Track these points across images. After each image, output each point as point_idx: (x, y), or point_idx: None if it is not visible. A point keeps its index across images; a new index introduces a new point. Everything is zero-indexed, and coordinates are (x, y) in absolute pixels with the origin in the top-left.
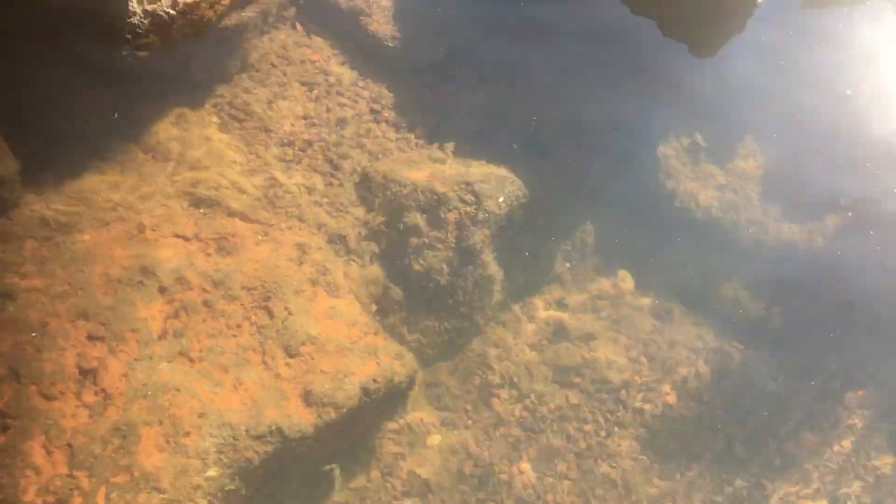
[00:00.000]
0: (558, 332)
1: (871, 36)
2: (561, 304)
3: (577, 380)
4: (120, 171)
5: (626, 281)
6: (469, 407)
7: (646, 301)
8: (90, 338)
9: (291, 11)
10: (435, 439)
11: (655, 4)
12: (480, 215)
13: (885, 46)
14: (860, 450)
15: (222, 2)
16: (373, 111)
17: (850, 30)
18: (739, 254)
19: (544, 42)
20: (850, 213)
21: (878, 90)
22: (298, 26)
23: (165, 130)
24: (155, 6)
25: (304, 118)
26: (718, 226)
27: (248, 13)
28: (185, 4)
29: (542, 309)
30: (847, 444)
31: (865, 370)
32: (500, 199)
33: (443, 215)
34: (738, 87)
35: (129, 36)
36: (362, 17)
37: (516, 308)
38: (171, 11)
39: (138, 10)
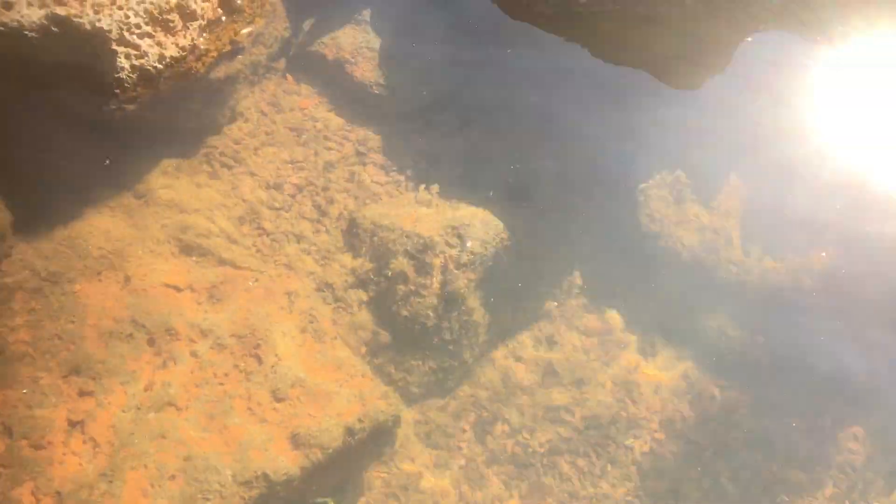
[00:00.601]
0: (547, 371)
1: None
2: (550, 343)
3: (567, 417)
4: (111, 220)
5: (613, 319)
6: (462, 445)
7: (632, 339)
8: (80, 393)
9: (281, 63)
10: (427, 482)
11: (632, 45)
12: (465, 258)
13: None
14: (855, 491)
15: (210, 54)
16: (359, 154)
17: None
18: (723, 292)
19: (527, 86)
20: (833, 249)
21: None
22: (288, 77)
23: (156, 179)
24: (143, 61)
25: (292, 162)
26: (702, 264)
27: (238, 65)
28: (172, 58)
29: (530, 348)
30: (841, 484)
31: (859, 407)
32: (485, 242)
33: (428, 260)
34: (720, 126)
35: (117, 90)
36: (348, 66)
37: (504, 347)
38: (159, 65)
39: (126, 64)
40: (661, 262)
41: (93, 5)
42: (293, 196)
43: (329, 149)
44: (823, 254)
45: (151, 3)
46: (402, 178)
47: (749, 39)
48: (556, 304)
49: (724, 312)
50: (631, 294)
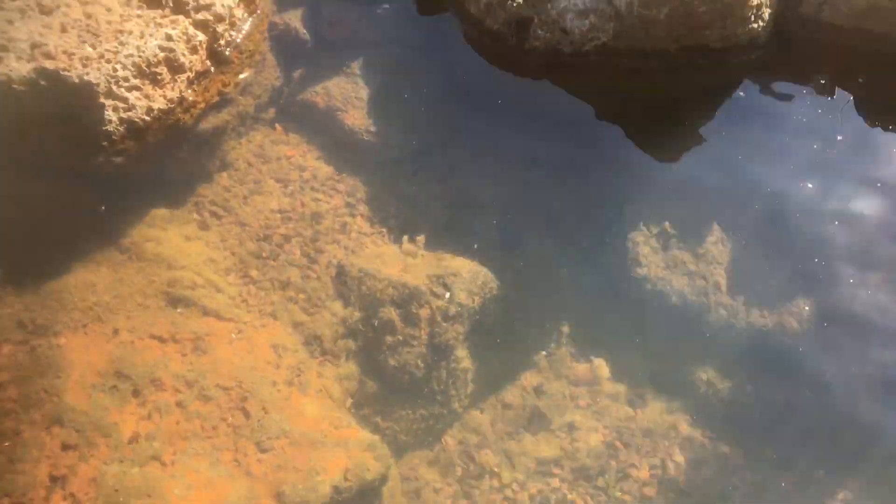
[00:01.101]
0: (536, 420)
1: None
2: (538, 392)
3: (555, 469)
4: (98, 274)
5: (602, 368)
6: (449, 502)
7: (621, 387)
8: (63, 447)
9: (271, 112)
10: None
11: (618, 95)
12: (452, 310)
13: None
14: None
15: (198, 106)
16: (348, 205)
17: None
18: (712, 339)
19: (514, 135)
20: (820, 298)
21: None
22: (278, 126)
23: (144, 231)
24: (131, 113)
25: (280, 212)
26: (690, 311)
27: (226, 116)
28: (160, 111)
29: (519, 397)
30: None
31: (853, 457)
32: (472, 293)
33: (415, 311)
34: (706, 177)
35: (105, 142)
36: (339, 113)
37: (493, 396)
38: (147, 118)
39: (114, 117)
40: (650, 308)
41: (81, 59)
42: (281, 246)
43: (317, 200)
44: (809, 303)
45: (139, 57)
46: (389, 226)
47: (750, 99)
48: (544, 353)
49: (713, 360)
50: (619, 342)
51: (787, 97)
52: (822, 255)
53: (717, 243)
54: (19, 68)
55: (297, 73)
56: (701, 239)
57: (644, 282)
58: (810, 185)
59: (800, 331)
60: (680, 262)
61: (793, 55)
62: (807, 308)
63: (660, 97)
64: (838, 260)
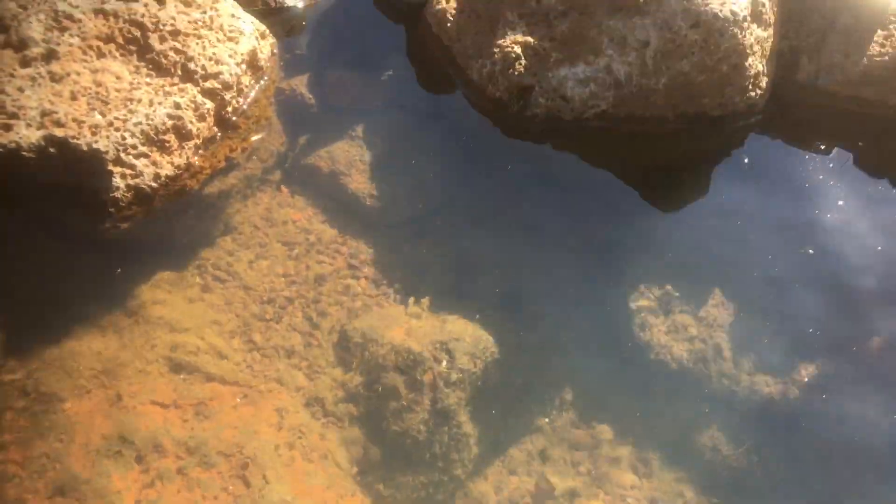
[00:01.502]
0: (540, 487)
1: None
2: (542, 457)
3: None
4: (102, 339)
5: (605, 433)
6: None
7: (624, 453)
8: None
9: (277, 175)
10: None
11: (619, 159)
12: (454, 376)
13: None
14: None
15: (204, 171)
16: (351, 267)
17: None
18: (715, 404)
19: (517, 197)
20: (823, 362)
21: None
22: (283, 189)
23: (148, 294)
24: (138, 180)
25: (285, 276)
26: (692, 377)
27: (232, 180)
28: (168, 177)
29: (522, 463)
30: None
31: None
32: (475, 358)
33: (418, 376)
34: (707, 241)
35: (112, 209)
36: (342, 178)
37: (497, 461)
38: (154, 184)
39: (122, 184)
40: (652, 373)
41: (90, 127)
42: (284, 308)
43: (321, 262)
44: (811, 368)
45: (148, 125)
46: (392, 289)
47: (749, 163)
48: (546, 419)
49: (716, 427)
50: (623, 407)
51: (787, 161)
52: (824, 320)
53: (718, 306)
54: (29, 135)
55: (302, 138)
56: (703, 302)
57: (646, 347)
58: (811, 251)
59: (802, 397)
60: (682, 327)
61: (791, 120)
62: (809, 374)
63: (659, 161)
64: (840, 325)
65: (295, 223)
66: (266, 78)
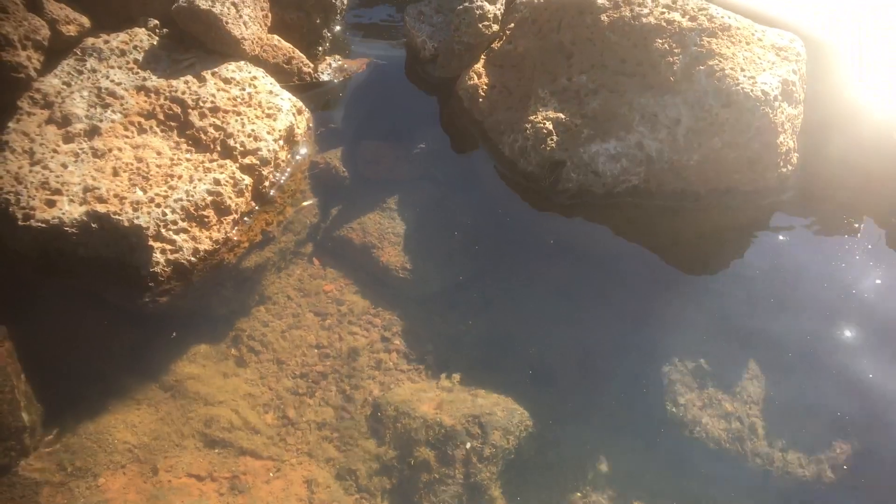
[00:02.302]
0: None
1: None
2: None
3: None
4: (138, 413)
5: None
6: None
7: None
8: None
9: (309, 248)
10: None
11: (651, 231)
12: (487, 451)
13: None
14: None
15: (241, 245)
16: (384, 339)
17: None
18: (749, 485)
19: (549, 270)
20: (857, 444)
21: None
22: (315, 261)
23: (184, 367)
24: (177, 255)
25: (318, 348)
26: (727, 456)
27: (268, 253)
28: (206, 251)
29: None
30: None
31: None
32: (508, 433)
33: (451, 451)
34: (740, 313)
35: (151, 283)
36: (374, 250)
37: None
38: (193, 259)
39: (161, 259)
40: (686, 450)
41: (132, 203)
42: (317, 383)
43: (353, 334)
44: (846, 448)
45: (188, 201)
46: (424, 362)
47: (781, 238)
48: (580, 493)
49: None
50: (657, 483)
51: (818, 237)
52: (860, 399)
53: (752, 380)
54: (72, 211)
55: (335, 210)
56: (737, 377)
57: (680, 423)
58: (847, 333)
59: (837, 479)
60: (715, 402)
61: (823, 196)
62: (844, 454)
63: (691, 234)
64: (876, 405)
65: (327, 294)
66: (302, 152)
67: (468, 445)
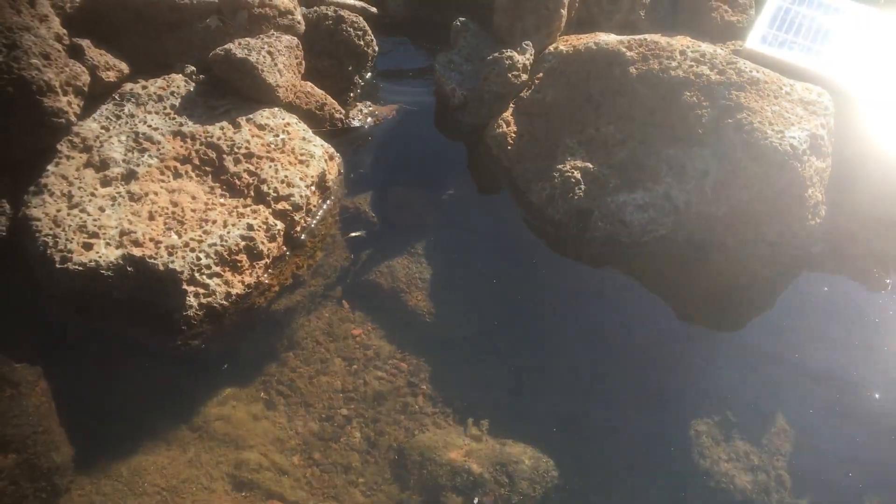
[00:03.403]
0: None
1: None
2: None
3: None
4: (168, 455)
5: None
6: None
7: None
8: None
9: (338, 291)
10: None
11: (678, 281)
12: (515, 499)
13: None
14: None
15: (272, 289)
16: (410, 384)
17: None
18: None
19: (576, 319)
20: (888, 497)
21: None
22: (345, 303)
23: (213, 410)
24: (210, 299)
25: (343, 392)
26: None
27: (298, 297)
28: (238, 295)
29: None
30: None
31: None
32: (534, 482)
33: (477, 500)
34: (766, 365)
35: (184, 326)
36: (402, 294)
37: None
38: (225, 303)
39: (194, 303)
40: (713, 502)
41: (167, 248)
42: (343, 427)
43: (380, 378)
44: (878, 499)
45: (222, 246)
46: (451, 408)
47: (809, 291)
48: None
49: None
50: None
51: (848, 291)
52: (889, 454)
53: (779, 434)
54: (108, 255)
55: (363, 254)
56: (764, 429)
57: (707, 475)
58: (877, 389)
59: None
60: (742, 455)
61: (851, 249)
62: None
63: (718, 285)
64: None
65: (355, 338)
66: (332, 197)
67: (497, 493)
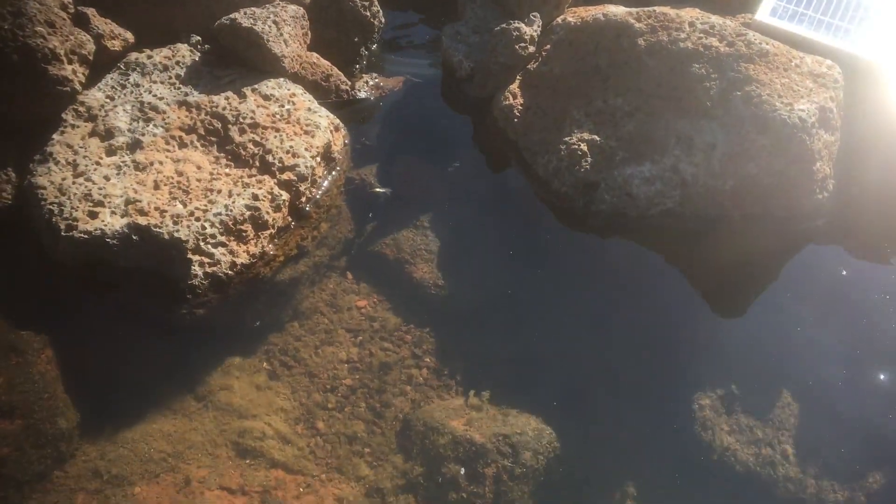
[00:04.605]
0: None
1: None
2: None
3: None
4: (173, 423)
5: None
6: None
7: None
8: None
9: (342, 261)
10: None
11: (684, 255)
12: (518, 470)
13: None
14: None
15: (277, 259)
16: (415, 356)
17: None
18: None
19: (581, 291)
20: (892, 470)
21: None
22: (349, 275)
23: (218, 379)
24: (215, 268)
25: (348, 363)
26: (757, 481)
27: (302, 267)
28: (243, 265)
29: None
30: None
31: None
32: (537, 453)
33: (481, 469)
34: (773, 340)
35: (189, 295)
36: (407, 266)
37: None
38: (230, 272)
39: (200, 272)
40: (716, 475)
41: (172, 216)
42: (347, 398)
43: (385, 350)
44: (880, 477)
45: (227, 215)
46: (454, 380)
47: (815, 265)
48: None
49: None
50: None
51: (855, 264)
52: (893, 428)
53: (784, 408)
54: (113, 223)
55: (369, 226)
56: (768, 403)
57: (709, 448)
58: (883, 362)
59: None
60: (746, 428)
61: (858, 223)
62: (878, 482)
63: (723, 259)
64: None
65: (360, 310)
66: (338, 168)
67: (500, 464)
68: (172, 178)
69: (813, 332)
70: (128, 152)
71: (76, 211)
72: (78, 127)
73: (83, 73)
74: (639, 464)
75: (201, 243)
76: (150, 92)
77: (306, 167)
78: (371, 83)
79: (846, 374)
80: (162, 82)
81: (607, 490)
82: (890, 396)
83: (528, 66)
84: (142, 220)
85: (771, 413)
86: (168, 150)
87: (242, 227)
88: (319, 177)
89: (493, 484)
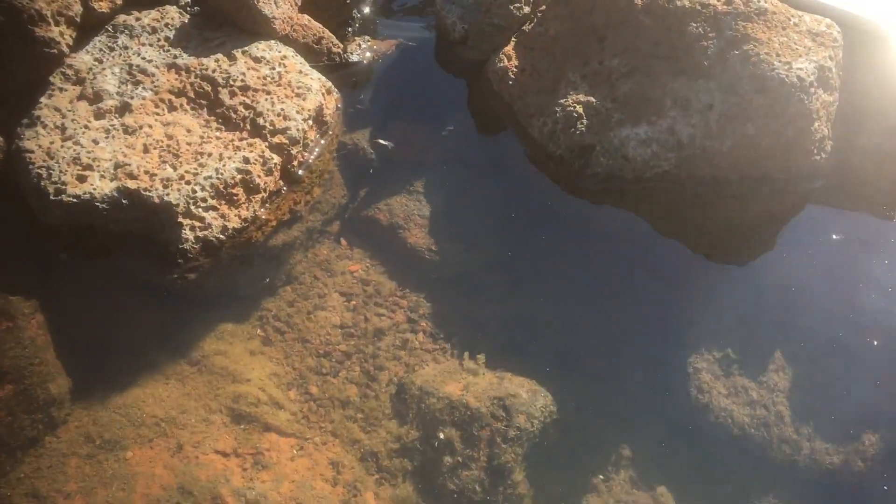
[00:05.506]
0: None
1: None
2: None
3: None
4: (166, 388)
5: (665, 497)
6: None
7: None
8: None
9: (336, 226)
10: None
11: (680, 219)
12: (512, 433)
13: None
14: None
15: (269, 224)
16: (410, 320)
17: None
18: (775, 472)
19: (576, 255)
20: (887, 433)
21: None
22: (343, 241)
23: (211, 344)
24: (206, 232)
25: (342, 328)
26: (752, 443)
27: (295, 232)
28: (235, 229)
29: None
30: None
31: None
32: (532, 416)
33: (475, 432)
34: (769, 304)
35: (180, 259)
36: (401, 231)
37: None
38: (221, 236)
39: (190, 236)
40: (712, 437)
41: (162, 180)
42: (341, 362)
43: (380, 315)
44: (875, 439)
45: (218, 179)
46: (449, 343)
47: (812, 227)
48: (602, 477)
49: (776, 495)
50: (680, 470)
51: (853, 225)
52: (889, 391)
53: (779, 371)
54: (103, 187)
55: (362, 191)
56: (764, 366)
57: (706, 410)
58: (876, 342)
59: (865, 469)
60: (742, 390)
61: (856, 184)
62: (873, 444)
63: (721, 222)
64: None
65: (353, 275)
66: (330, 132)
67: (493, 426)
68: (162, 141)
69: (810, 295)
70: (117, 116)
71: (65, 175)
72: (66, 90)
73: (70, 36)
74: (634, 426)
75: (192, 207)
76: (139, 54)
77: (298, 130)
78: (364, 46)
79: (842, 338)
80: (151, 45)
81: (602, 452)
82: (885, 360)
83: (523, 28)
84: (131, 184)
85: (766, 375)
86: (157, 114)
87: (233, 190)
88: (311, 140)
89: (487, 447)
